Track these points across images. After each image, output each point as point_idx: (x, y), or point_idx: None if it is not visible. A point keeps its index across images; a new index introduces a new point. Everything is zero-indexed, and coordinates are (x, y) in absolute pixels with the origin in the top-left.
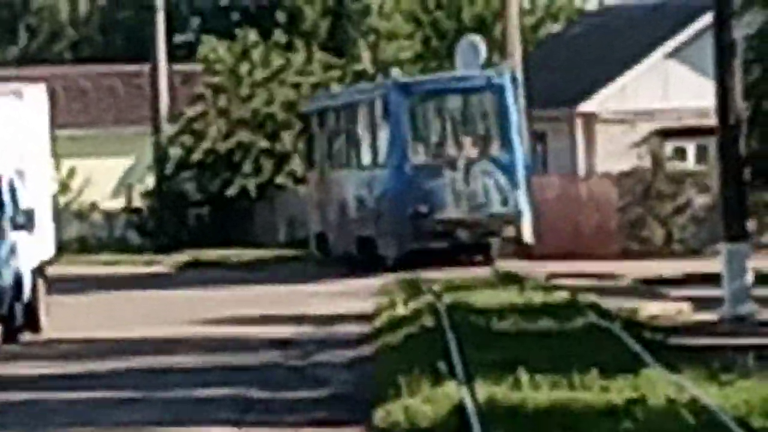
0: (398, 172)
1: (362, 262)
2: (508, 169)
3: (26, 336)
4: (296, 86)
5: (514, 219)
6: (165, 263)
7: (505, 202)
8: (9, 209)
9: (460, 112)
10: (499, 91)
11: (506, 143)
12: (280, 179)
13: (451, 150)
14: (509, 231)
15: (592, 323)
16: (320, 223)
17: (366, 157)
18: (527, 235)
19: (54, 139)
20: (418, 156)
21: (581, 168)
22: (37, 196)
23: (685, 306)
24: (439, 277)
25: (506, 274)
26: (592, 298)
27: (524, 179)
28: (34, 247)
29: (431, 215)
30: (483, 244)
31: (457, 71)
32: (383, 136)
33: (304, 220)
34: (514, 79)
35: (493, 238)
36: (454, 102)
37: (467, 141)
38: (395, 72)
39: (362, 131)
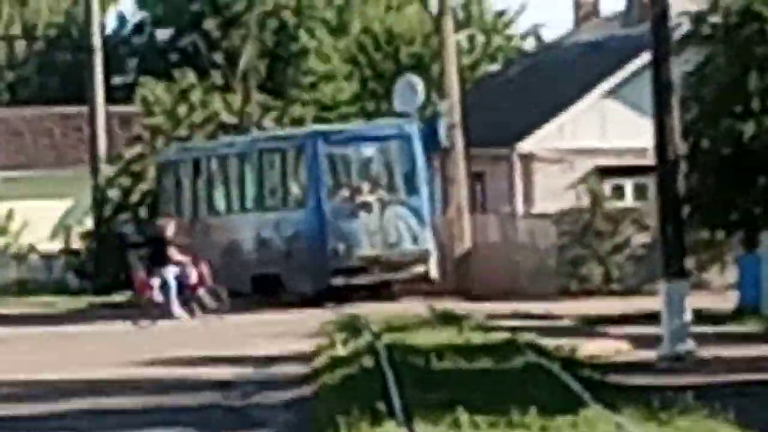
0: (317, 212)
1: (257, 300)
2: (417, 211)
3: None
4: (235, 127)
5: (423, 257)
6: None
7: (414, 241)
8: None
9: (372, 159)
10: (408, 140)
11: (414, 187)
12: None
13: (364, 193)
14: (418, 268)
15: (531, 362)
16: None
17: (271, 200)
18: (433, 272)
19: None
20: (335, 198)
21: (519, 207)
22: None
23: (624, 344)
24: (371, 314)
25: (444, 313)
26: (530, 337)
27: (430, 221)
28: None
29: (348, 253)
30: (394, 280)
31: (395, 108)
32: (294, 180)
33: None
34: (422, 129)
35: (398, 275)
36: (366, 149)
37: (379, 185)
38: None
39: (267, 177)
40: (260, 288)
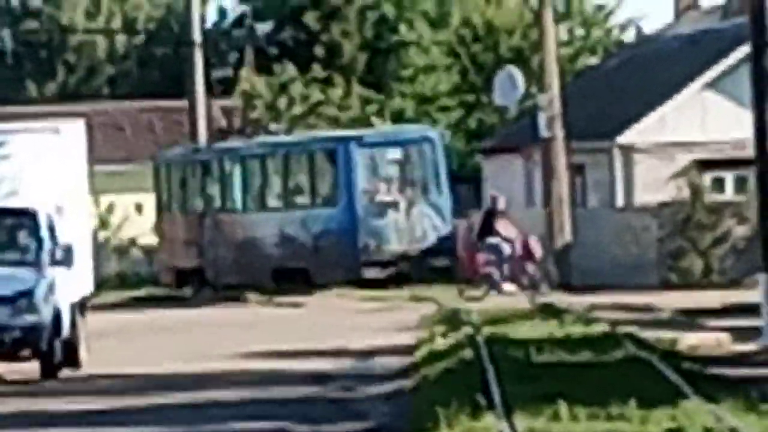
0: (349, 210)
1: (276, 291)
2: (440, 210)
3: (66, 372)
4: (335, 121)
5: (446, 252)
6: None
7: (439, 237)
8: (47, 245)
9: (400, 161)
10: (432, 143)
11: (438, 188)
12: None
13: (392, 193)
14: (441, 261)
15: (631, 355)
16: (191, 260)
17: (301, 199)
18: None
19: (92, 175)
20: (366, 197)
21: (620, 199)
22: (75, 231)
23: (724, 336)
24: (477, 309)
25: (545, 306)
26: (631, 329)
27: (451, 218)
28: (73, 283)
29: (378, 248)
30: (420, 272)
31: (495, 101)
32: (325, 180)
33: None
34: (442, 136)
35: (423, 268)
36: (394, 152)
37: (406, 185)
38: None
39: (299, 177)
40: (284, 280)
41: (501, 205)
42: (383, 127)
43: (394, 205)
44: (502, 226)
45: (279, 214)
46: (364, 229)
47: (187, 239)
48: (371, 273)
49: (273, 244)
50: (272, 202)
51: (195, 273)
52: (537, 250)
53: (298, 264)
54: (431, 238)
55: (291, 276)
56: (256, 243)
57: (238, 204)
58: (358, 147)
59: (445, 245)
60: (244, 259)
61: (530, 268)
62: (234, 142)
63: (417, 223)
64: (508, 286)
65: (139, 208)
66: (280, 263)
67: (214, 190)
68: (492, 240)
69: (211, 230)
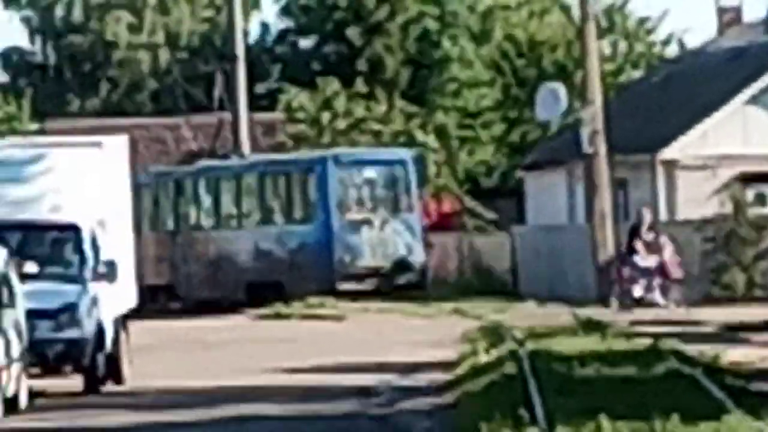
0: (326, 226)
1: (249, 304)
2: (411, 228)
3: (108, 386)
4: (377, 135)
5: (416, 267)
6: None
7: (409, 253)
8: (90, 260)
9: (374, 181)
10: (404, 165)
11: (409, 207)
12: None
13: (367, 211)
14: (412, 276)
15: (674, 369)
16: (163, 276)
17: (278, 215)
18: (425, 280)
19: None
20: (341, 214)
21: (663, 214)
22: (118, 246)
23: None
24: (520, 326)
25: (588, 321)
26: (673, 343)
27: (421, 236)
28: (116, 298)
29: (352, 263)
30: (391, 286)
31: (537, 117)
32: (301, 198)
33: None
34: (417, 159)
35: (395, 283)
36: (369, 172)
37: (379, 204)
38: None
39: (276, 194)
40: (256, 294)
41: (647, 220)
42: (360, 149)
43: (368, 222)
44: (646, 242)
45: (255, 231)
46: (339, 244)
47: (160, 256)
48: (346, 286)
49: (248, 259)
50: (248, 219)
51: (165, 289)
52: (673, 264)
53: (273, 278)
54: (403, 254)
55: (265, 290)
56: (231, 258)
57: (213, 221)
58: (335, 166)
59: (415, 261)
60: (223, 274)
61: (669, 284)
62: (213, 162)
63: (389, 239)
64: (657, 298)
65: None
66: (254, 277)
67: (188, 208)
68: (636, 256)
69: (184, 247)
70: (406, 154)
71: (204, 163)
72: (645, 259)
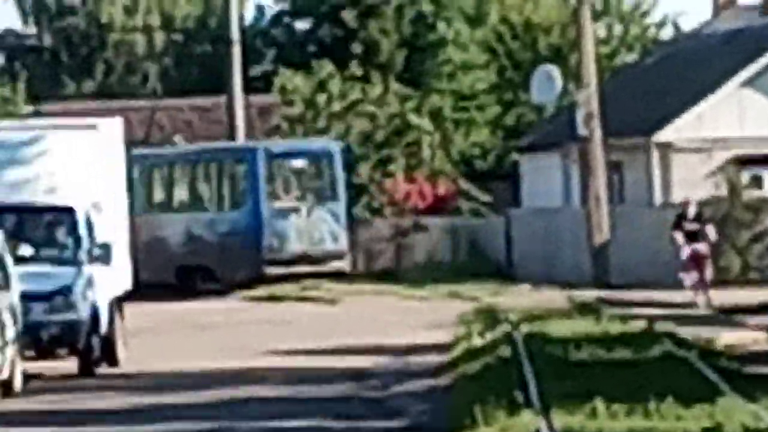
0: (255, 213)
1: (180, 288)
2: (337, 216)
3: (103, 369)
4: (372, 118)
5: (340, 254)
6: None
7: (334, 240)
8: (85, 242)
9: (302, 170)
10: (331, 156)
11: (335, 195)
12: (356, 211)
13: (294, 199)
14: (336, 263)
15: (669, 352)
16: None
17: (209, 203)
18: (347, 267)
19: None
20: (270, 202)
21: (657, 197)
22: (113, 229)
23: (762, 335)
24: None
25: (583, 303)
26: (668, 327)
27: (346, 224)
28: (111, 280)
29: (280, 248)
30: (316, 272)
31: (533, 99)
32: (232, 185)
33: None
34: (344, 150)
35: (320, 268)
36: (298, 162)
37: (307, 192)
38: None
39: (207, 182)
40: (186, 278)
41: (691, 210)
42: (290, 140)
43: (296, 210)
44: (688, 232)
45: (186, 216)
46: (268, 230)
47: None
48: (273, 271)
49: (179, 243)
50: (180, 204)
51: None
52: (709, 271)
53: (203, 262)
54: (328, 241)
55: (195, 274)
56: (162, 243)
57: (146, 206)
58: (265, 156)
59: (339, 248)
60: (154, 258)
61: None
62: (147, 150)
63: (315, 227)
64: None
65: None
66: (184, 262)
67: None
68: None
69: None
70: (333, 145)
71: (138, 151)
72: (684, 251)
